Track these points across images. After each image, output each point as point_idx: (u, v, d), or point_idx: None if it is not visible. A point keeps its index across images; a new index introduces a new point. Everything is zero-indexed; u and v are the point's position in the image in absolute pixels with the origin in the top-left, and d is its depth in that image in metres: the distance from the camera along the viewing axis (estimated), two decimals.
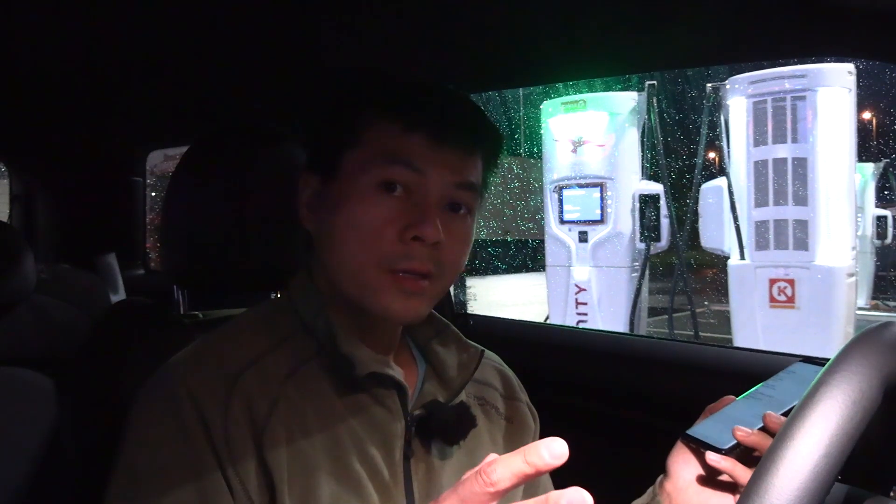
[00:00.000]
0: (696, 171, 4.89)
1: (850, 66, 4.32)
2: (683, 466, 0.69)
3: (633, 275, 5.13)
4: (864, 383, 0.48)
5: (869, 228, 7.58)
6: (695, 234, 5.05)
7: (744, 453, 0.64)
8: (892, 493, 0.61)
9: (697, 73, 6.37)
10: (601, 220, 5.17)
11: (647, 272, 5.14)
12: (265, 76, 1.23)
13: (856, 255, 4.47)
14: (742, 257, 4.58)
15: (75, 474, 0.86)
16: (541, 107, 5.55)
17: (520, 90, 9.27)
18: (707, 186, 4.81)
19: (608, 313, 5.18)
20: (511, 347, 1.01)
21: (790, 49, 0.99)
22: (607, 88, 5.37)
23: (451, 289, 1.18)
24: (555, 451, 0.34)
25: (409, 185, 0.65)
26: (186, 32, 0.99)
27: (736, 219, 4.55)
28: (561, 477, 0.85)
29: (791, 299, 4.36)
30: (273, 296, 0.96)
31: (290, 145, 0.87)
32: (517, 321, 1.74)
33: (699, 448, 0.67)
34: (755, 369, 1.16)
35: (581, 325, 5.13)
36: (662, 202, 4.91)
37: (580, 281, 5.27)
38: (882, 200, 8.29)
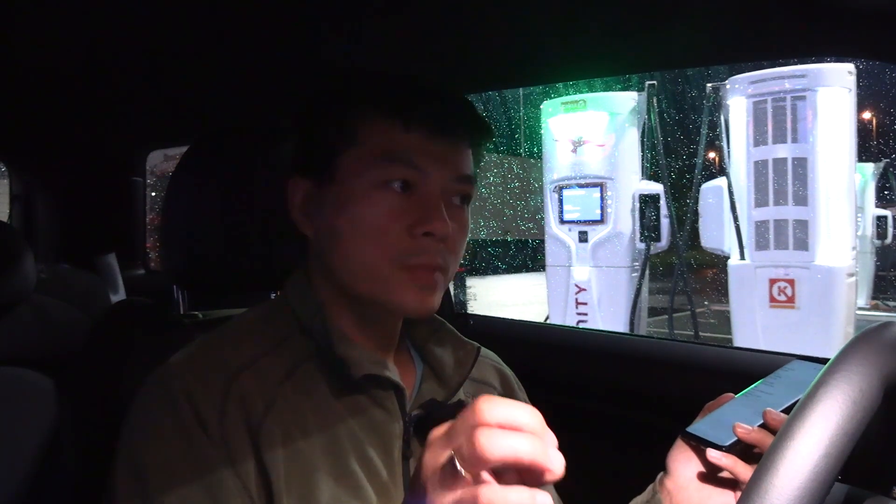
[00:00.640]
0: (696, 171, 4.90)
1: (850, 66, 4.32)
2: (684, 464, 0.69)
3: (633, 275, 5.13)
4: (864, 383, 0.48)
5: (869, 228, 7.59)
6: (695, 234, 5.05)
7: (744, 450, 0.65)
8: (892, 494, 0.61)
9: (697, 73, 6.38)
10: (601, 220, 5.17)
11: (647, 272, 5.13)
12: (265, 76, 1.23)
13: (856, 255, 4.47)
14: (742, 257, 4.58)
15: (75, 474, 0.86)
16: (541, 107, 5.55)
17: (520, 90, 9.28)
18: (707, 186, 4.81)
19: (608, 313, 5.18)
20: (511, 347, 1.01)
21: (790, 49, 0.99)
22: (607, 88, 5.38)
23: (451, 289, 1.18)
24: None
25: (411, 182, 0.65)
26: (186, 32, 0.99)
27: (736, 219, 4.55)
28: (561, 476, 0.86)
29: (791, 299, 4.36)
30: (272, 296, 0.96)
31: (290, 145, 0.87)
32: (517, 321, 1.74)
33: (699, 445, 0.67)
34: (755, 369, 1.16)
35: (581, 325, 5.13)
36: (662, 202, 4.91)
37: (580, 281, 5.27)
38: (882, 200, 8.30)
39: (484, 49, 1.02)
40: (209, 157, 0.87)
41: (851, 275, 4.36)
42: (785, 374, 0.71)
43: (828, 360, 0.52)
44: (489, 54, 1.05)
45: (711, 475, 0.67)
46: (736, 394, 0.71)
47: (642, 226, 4.95)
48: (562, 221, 5.38)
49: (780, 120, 4.36)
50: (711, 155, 6.32)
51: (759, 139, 4.47)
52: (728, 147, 4.67)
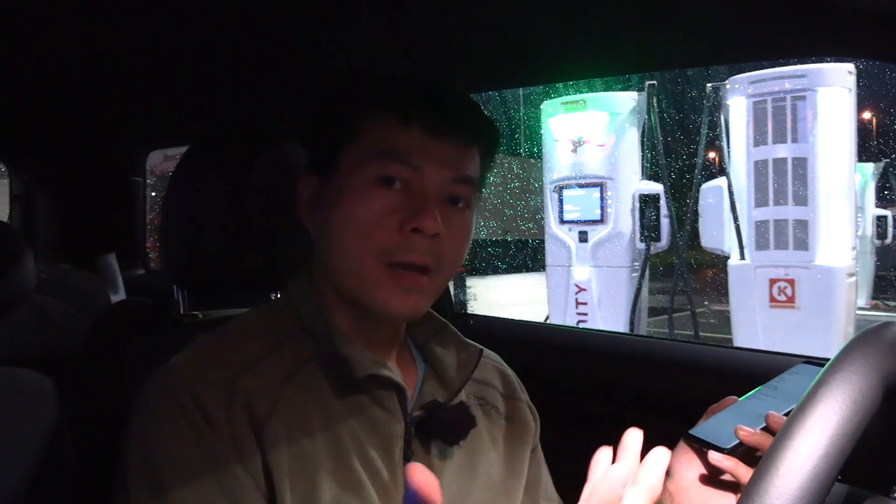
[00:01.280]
0: (696, 171, 4.89)
1: (850, 66, 4.32)
2: (686, 466, 0.69)
3: (633, 275, 5.13)
4: (864, 383, 0.48)
5: (869, 228, 7.59)
6: (695, 234, 5.05)
7: (746, 453, 0.64)
8: (892, 494, 0.61)
9: (697, 73, 6.38)
10: (601, 220, 5.17)
11: (647, 272, 5.13)
12: (265, 76, 1.23)
13: (856, 255, 4.47)
14: (742, 257, 4.58)
15: (75, 474, 0.86)
16: (541, 107, 5.55)
17: (520, 90, 9.28)
18: (707, 186, 4.81)
19: (608, 313, 5.18)
20: (511, 347, 1.01)
21: (790, 49, 0.99)
22: (607, 88, 5.37)
23: (451, 289, 1.18)
24: None
25: (407, 180, 0.65)
26: (186, 33, 0.99)
27: (736, 219, 4.55)
28: (562, 477, 0.86)
29: (791, 299, 4.36)
30: (273, 296, 0.96)
31: (290, 145, 0.87)
32: (517, 321, 1.74)
33: (702, 448, 0.67)
34: (755, 369, 1.16)
35: (581, 325, 5.13)
36: (662, 202, 4.91)
37: (580, 281, 5.27)
38: (882, 200, 8.30)
39: (484, 49, 1.02)
40: (209, 157, 0.87)
41: (851, 275, 4.36)
42: (789, 378, 0.71)
43: None
44: (489, 54, 1.05)
45: (713, 477, 0.67)
46: (737, 396, 0.71)
47: (642, 226, 4.95)
48: (562, 221, 5.37)
49: (780, 120, 4.36)
50: (711, 155, 6.32)
51: (759, 139, 4.46)
52: (728, 147, 4.67)
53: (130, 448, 0.61)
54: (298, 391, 0.64)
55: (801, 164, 4.31)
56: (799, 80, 4.27)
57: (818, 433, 0.46)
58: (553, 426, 0.89)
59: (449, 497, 0.69)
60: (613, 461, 0.51)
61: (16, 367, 0.99)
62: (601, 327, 4.90)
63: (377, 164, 0.65)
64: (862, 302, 7.10)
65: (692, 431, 0.68)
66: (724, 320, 5.45)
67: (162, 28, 0.96)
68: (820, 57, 3.01)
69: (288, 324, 0.69)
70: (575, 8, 0.83)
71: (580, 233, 5.27)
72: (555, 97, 5.53)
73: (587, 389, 1.39)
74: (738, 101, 4.57)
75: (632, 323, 5.06)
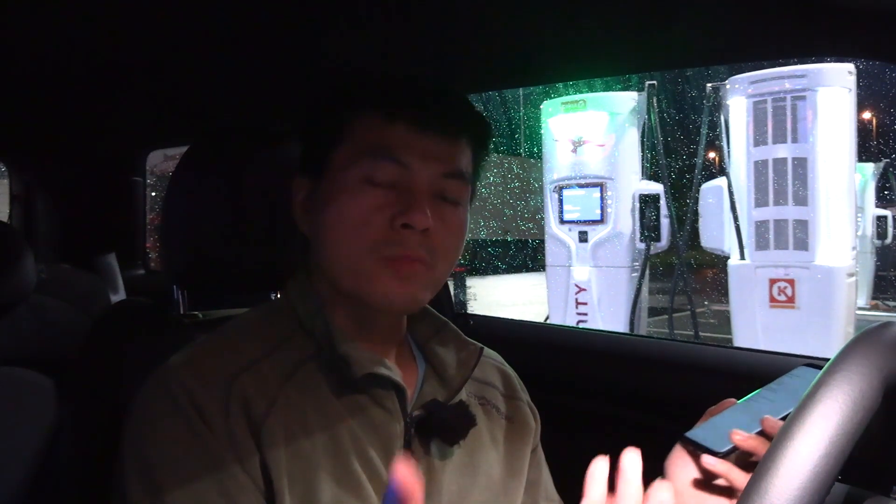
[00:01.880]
0: (696, 171, 4.89)
1: (850, 66, 4.32)
2: (681, 469, 0.69)
3: (633, 275, 5.13)
4: (864, 383, 0.48)
5: (869, 228, 7.59)
6: (695, 234, 5.04)
7: (741, 457, 0.64)
8: (892, 494, 0.61)
9: (697, 73, 6.38)
10: (601, 220, 5.17)
11: (647, 272, 5.13)
12: (266, 77, 1.23)
13: (856, 255, 4.47)
14: (742, 257, 4.58)
15: (75, 474, 0.86)
16: (541, 107, 5.55)
17: (520, 90, 9.28)
18: (707, 186, 4.81)
19: (608, 313, 5.18)
20: (511, 347, 1.01)
21: (790, 49, 0.99)
22: (607, 88, 5.37)
23: (451, 289, 1.18)
24: None
25: (396, 177, 0.65)
26: (186, 33, 0.99)
27: (736, 219, 4.55)
28: (561, 477, 0.86)
29: (791, 299, 4.36)
30: (273, 296, 0.96)
31: (290, 145, 0.87)
32: (517, 321, 1.74)
33: (697, 451, 0.66)
34: (755, 369, 1.16)
35: (581, 325, 5.13)
36: (662, 202, 4.91)
37: (580, 281, 5.27)
38: (882, 200, 8.30)
39: (484, 49, 1.02)
40: (209, 157, 0.87)
41: (851, 275, 4.35)
42: (789, 381, 0.71)
43: None
44: (489, 54, 1.05)
45: (708, 482, 0.67)
46: (737, 396, 0.71)
47: (642, 226, 4.95)
48: (562, 221, 5.37)
49: (780, 120, 4.36)
50: (711, 155, 6.32)
51: (759, 139, 4.46)
52: (728, 147, 4.67)
53: (128, 448, 0.61)
54: (297, 391, 0.64)
55: (801, 164, 4.31)
56: (799, 80, 4.27)
57: (818, 433, 0.46)
58: (553, 426, 0.89)
59: (449, 496, 0.69)
60: (610, 474, 0.51)
61: (16, 367, 0.99)
62: (601, 327, 4.90)
63: (365, 162, 0.65)
64: (862, 302, 7.10)
65: (688, 434, 0.68)
66: (724, 320, 5.45)
67: (162, 28, 0.96)
68: (820, 57, 3.01)
69: (287, 324, 0.69)
70: (575, 8, 0.83)
71: (580, 233, 5.27)
72: (555, 97, 5.53)
73: (587, 389, 1.39)
74: (738, 101, 4.57)
75: (632, 323, 5.06)
